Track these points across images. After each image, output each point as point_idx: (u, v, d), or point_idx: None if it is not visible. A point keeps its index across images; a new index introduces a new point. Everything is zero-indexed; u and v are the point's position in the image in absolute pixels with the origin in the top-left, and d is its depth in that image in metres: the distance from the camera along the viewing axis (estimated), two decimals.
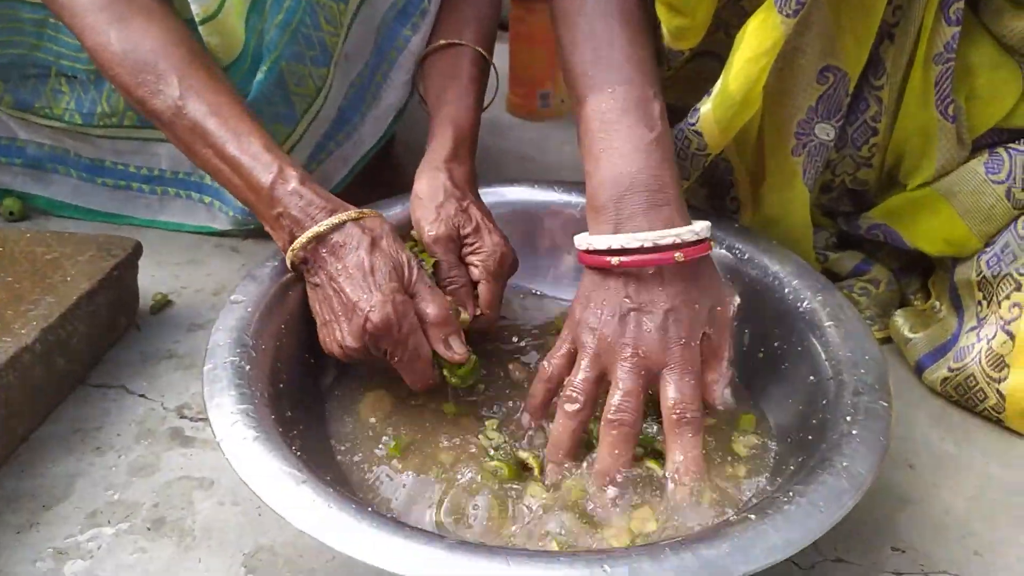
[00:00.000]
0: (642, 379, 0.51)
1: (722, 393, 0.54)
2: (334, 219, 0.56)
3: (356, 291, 0.54)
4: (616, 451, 0.51)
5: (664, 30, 0.62)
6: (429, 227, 0.61)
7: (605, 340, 0.52)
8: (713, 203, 0.75)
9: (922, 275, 0.74)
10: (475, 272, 0.61)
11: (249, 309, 0.58)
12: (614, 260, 0.53)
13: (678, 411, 0.50)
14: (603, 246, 0.53)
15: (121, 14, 0.62)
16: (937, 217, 0.66)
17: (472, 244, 0.62)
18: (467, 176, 0.65)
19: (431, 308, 0.55)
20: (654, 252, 0.52)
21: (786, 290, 0.61)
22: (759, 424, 0.58)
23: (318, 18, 0.72)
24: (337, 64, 0.76)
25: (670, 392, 0.51)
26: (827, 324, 0.57)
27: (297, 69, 0.73)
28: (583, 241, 0.55)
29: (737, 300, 0.56)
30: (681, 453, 0.50)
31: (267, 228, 0.59)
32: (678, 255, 0.52)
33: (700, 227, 0.53)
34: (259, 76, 0.72)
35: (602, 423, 0.51)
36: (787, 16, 0.55)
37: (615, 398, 0.51)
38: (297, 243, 0.56)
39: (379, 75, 0.79)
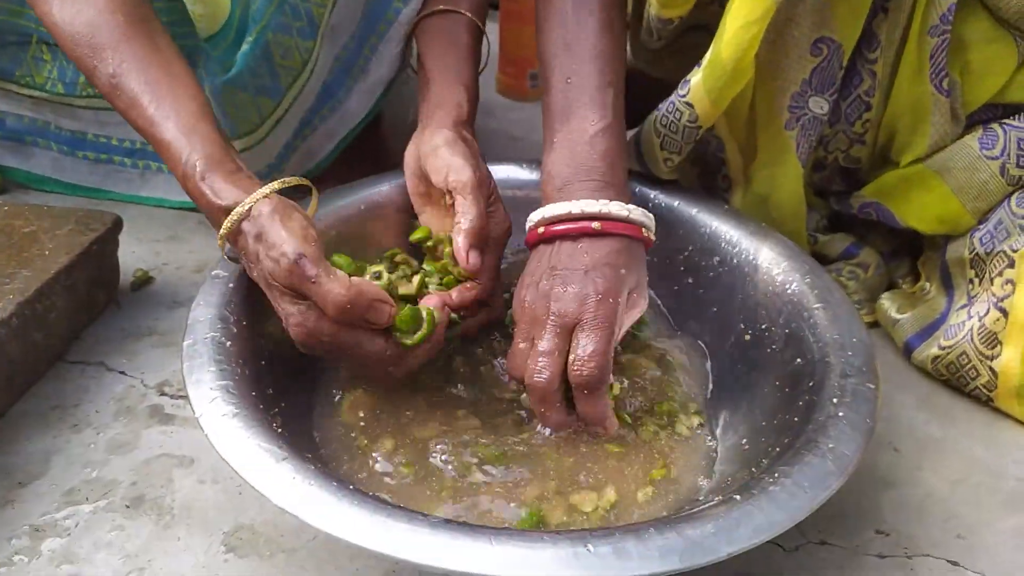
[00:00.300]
0: (559, 338, 0.51)
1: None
2: (224, 229, 0.52)
3: (271, 303, 0.53)
4: (542, 410, 0.52)
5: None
6: (476, 169, 0.58)
7: (530, 308, 0.53)
8: (704, 182, 0.75)
9: (911, 259, 0.74)
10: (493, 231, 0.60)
11: (231, 284, 0.57)
12: (541, 229, 0.55)
13: (576, 367, 0.50)
14: (536, 218, 0.56)
15: None
16: (930, 194, 0.66)
17: (489, 210, 0.60)
18: (479, 147, 0.64)
19: (328, 306, 0.49)
20: (580, 220, 0.54)
21: (774, 272, 0.61)
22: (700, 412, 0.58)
23: None
24: (324, 36, 0.74)
25: (576, 348, 0.51)
26: (815, 307, 0.57)
27: (283, 41, 0.71)
28: (527, 226, 0.57)
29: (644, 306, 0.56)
30: (584, 411, 0.52)
31: None
32: (596, 224, 0.53)
33: (635, 210, 0.55)
34: (244, 48, 0.70)
35: (526, 388, 0.52)
36: None
37: (531, 360, 0.52)
38: (223, 252, 0.56)
39: (367, 48, 0.78)
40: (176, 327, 0.69)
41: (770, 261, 0.62)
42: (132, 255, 0.76)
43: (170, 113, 0.55)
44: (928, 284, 0.69)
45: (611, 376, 0.52)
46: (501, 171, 0.73)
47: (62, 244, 0.65)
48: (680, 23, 0.66)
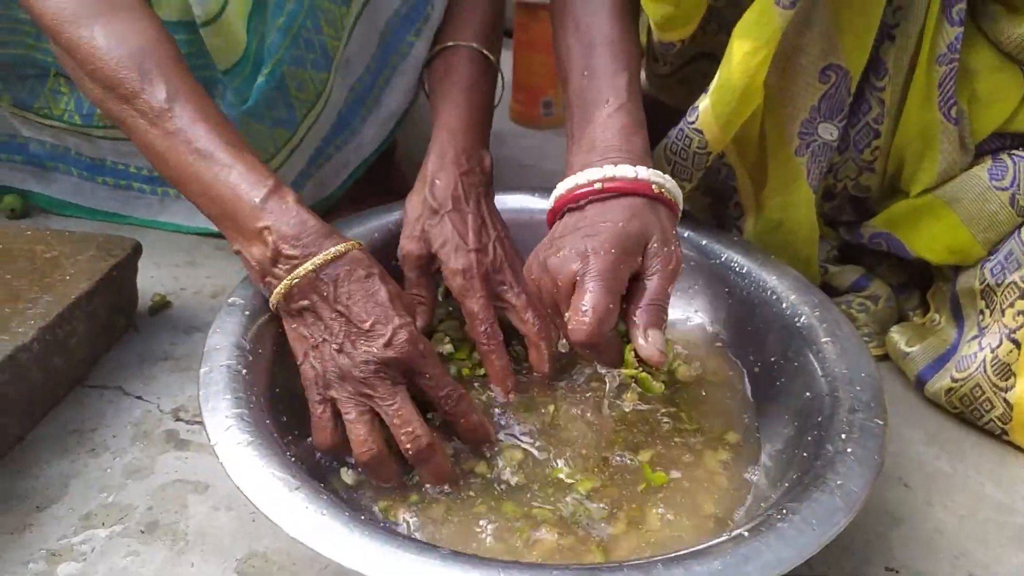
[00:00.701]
0: (564, 301, 0.52)
1: (648, 338, 0.50)
2: (340, 247, 0.54)
3: (371, 313, 0.53)
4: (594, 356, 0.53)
5: (651, 22, 0.63)
6: (402, 244, 0.63)
7: (537, 281, 0.55)
8: (716, 211, 0.75)
9: (921, 291, 0.74)
10: (453, 294, 0.62)
11: (247, 312, 0.58)
12: (552, 205, 0.57)
13: (572, 325, 0.50)
14: (550, 201, 0.57)
15: (103, 8, 0.60)
16: (940, 224, 0.66)
17: (441, 262, 0.62)
18: (452, 183, 0.64)
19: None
20: (584, 187, 0.54)
21: (783, 305, 0.61)
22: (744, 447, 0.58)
23: (319, 21, 0.72)
24: (338, 69, 0.76)
25: (572, 305, 0.50)
26: (824, 340, 0.57)
27: (298, 73, 0.73)
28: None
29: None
30: (597, 359, 0.53)
31: (237, 246, 0.57)
32: (598, 184, 0.53)
33: (646, 171, 0.53)
34: (260, 80, 0.72)
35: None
36: (784, 8, 0.56)
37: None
38: (301, 270, 0.54)
39: (381, 80, 0.79)
40: (192, 352, 0.70)
41: (779, 293, 0.62)
42: (150, 280, 0.77)
43: (239, 143, 0.57)
44: (938, 315, 0.70)
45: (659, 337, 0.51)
46: (512, 200, 0.74)
47: (83, 270, 0.67)
48: (683, 48, 0.67)
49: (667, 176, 0.55)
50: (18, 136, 0.86)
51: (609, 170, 0.53)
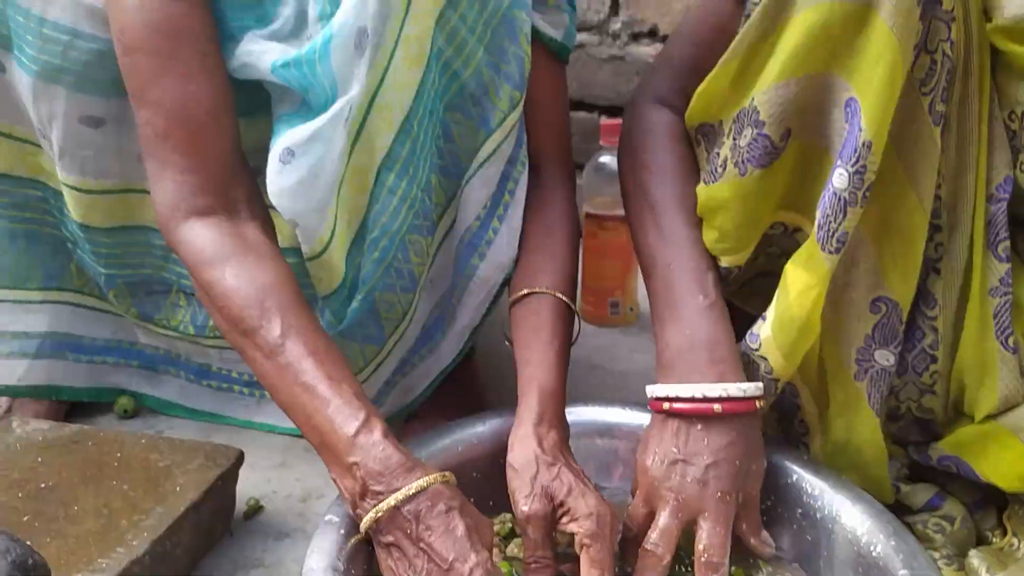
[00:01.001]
0: (679, 520, 0.61)
1: (762, 539, 0.65)
2: (421, 482, 0.58)
3: (451, 550, 0.56)
4: (646, 573, 0.61)
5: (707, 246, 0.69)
6: (524, 501, 0.62)
7: (653, 483, 0.63)
8: (782, 427, 0.77)
9: (998, 509, 0.73)
10: (577, 538, 0.61)
11: (341, 531, 0.62)
12: (666, 405, 0.63)
13: (705, 556, 0.60)
14: (662, 394, 0.64)
15: (235, 251, 0.68)
16: (1008, 452, 0.66)
17: (568, 510, 0.62)
18: (557, 439, 0.66)
19: None
20: (702, 403, 0.62)
21: (859, 532, 0.62)
22: None
23: (408, 252, 0.79)
24: (422, 290, 0.83)
25: (703, 538, 0.60)
26: (900, 573, 0.57)
27: (388, 297, 0.79)
28: (649, 391, 0.66)
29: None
30: None
31: (333, 475, 0.62)
32: (717, 407, 0.62)
33: (749, 386, 0.63)
34: (354, 304, 0.79)
35: (639, 551, 0.62)
36: (830, 253, 0.61)
37: (653, 534, 0.61)
38: (384, 505, 0.58)
39: (455, 298, 0.85)
40: (281, 560, 0.73)
41: (854, 519, 0.63)
42: (246, 482, 0.81)
43: (339, 377, 0.63)
44: (1016, 540, 0.69)
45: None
46: (584, 413, 0.77)
47: (192, 479, 0.71)
48: (741, 273, 0.71)
49: (759, 385, 0.64)
50: (137, 343, 0.95)
51: (723, 390, 0.62)
